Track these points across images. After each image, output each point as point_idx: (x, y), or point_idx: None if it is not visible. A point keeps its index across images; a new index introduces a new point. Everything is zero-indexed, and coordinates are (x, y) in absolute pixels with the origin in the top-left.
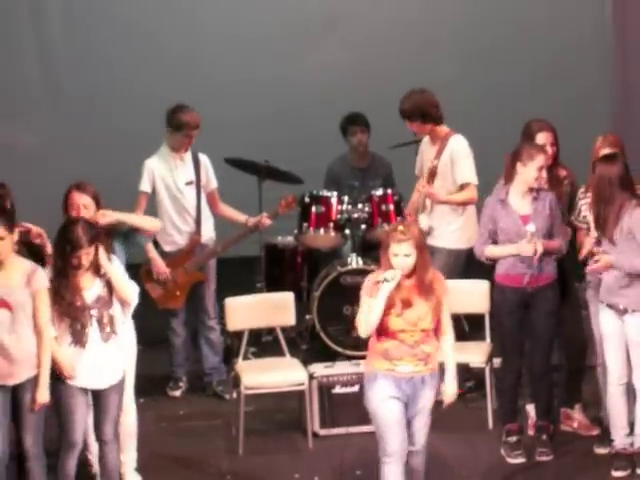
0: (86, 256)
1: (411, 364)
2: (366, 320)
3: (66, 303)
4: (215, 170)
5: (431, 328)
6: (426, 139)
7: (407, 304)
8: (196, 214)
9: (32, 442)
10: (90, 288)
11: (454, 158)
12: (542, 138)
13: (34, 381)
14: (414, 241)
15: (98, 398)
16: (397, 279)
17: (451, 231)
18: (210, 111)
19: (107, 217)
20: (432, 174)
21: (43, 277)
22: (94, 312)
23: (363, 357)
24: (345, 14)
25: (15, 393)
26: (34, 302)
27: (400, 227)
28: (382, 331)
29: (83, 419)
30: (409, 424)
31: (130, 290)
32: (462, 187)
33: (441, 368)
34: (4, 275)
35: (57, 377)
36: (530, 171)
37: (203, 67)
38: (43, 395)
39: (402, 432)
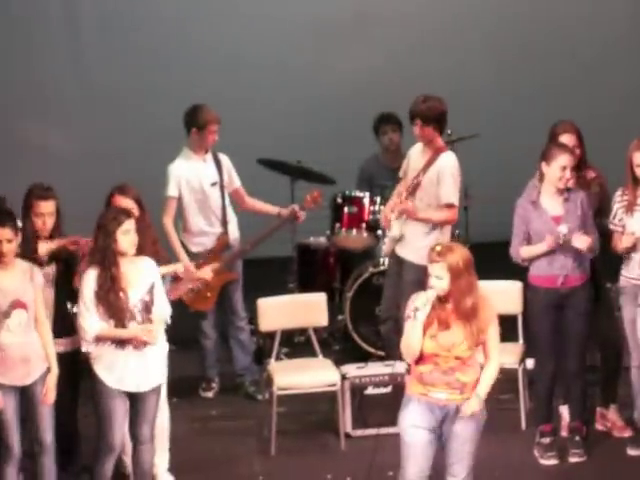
0: (134, 233)
1: (445, 392)
2: (407, 346)
3: (110, 303)
4: (247, 171)
5: (468, 356)
6: (418, 146)
7: (444, 325)
8: (222, 215)
9: (51, 439)
10: (136, 287)
11: (441, 175)
12: (565, 140)
13: (45, 374)
14: (447, 265)
15: (136, 400)
16: (430, 302)
17: (420, 247)
18: (243, 112)
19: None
20: (415, 187)
21: (40, 274)
22: (137, 314)
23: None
24: (377, 13)
25: (28, 391)
26: (35, 298)
27: (437, 247)
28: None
29: (122, 423)
30: (448, 453)
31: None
32: (443, 206)
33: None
34: (12, 276)
35: (96, 380)
36: (553, 171)
37: (236, 67)
38: (55, 383)
39: (422, 462)
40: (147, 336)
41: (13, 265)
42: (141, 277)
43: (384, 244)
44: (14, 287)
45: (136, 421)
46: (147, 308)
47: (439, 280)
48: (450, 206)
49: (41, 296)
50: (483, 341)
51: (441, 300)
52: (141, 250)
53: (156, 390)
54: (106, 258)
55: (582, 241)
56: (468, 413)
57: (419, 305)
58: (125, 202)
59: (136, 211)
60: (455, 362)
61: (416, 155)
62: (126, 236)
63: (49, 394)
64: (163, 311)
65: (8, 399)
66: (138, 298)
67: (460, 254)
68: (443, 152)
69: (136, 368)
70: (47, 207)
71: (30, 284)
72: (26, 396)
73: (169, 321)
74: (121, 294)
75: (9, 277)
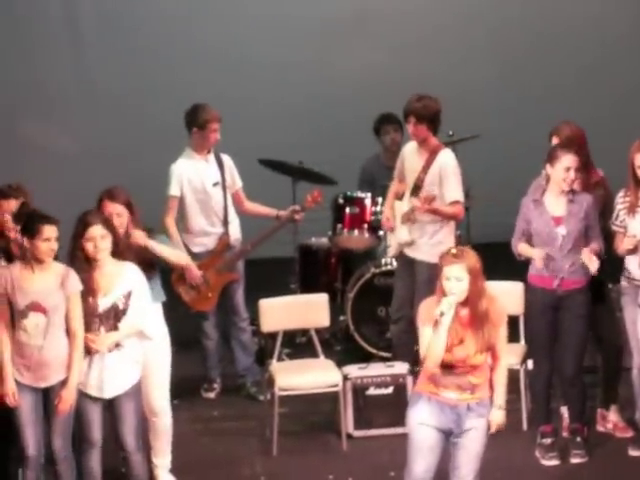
0: (102, 240)
1: (456, 392)
2: (432, 355)
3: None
4: (249, 171)
5: (481, 363)
6: (412, 145)
7: (458, 341)
8: (223, 215)
9: (61, 445)
10: (109, 294)
11: (443, 174)
12: (555, 142)
13: (65, 383)
14: (467, 265)
15: (111, 406)
16: (453, 306)
17: (432, 244)
18: (244, 112)
19: (139, 240)
20: (418, 187)
21: (76, 280)
22: (103, 320)
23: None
24: (378, 13)
25: (46, 396)
26: (68, 305)
27: (453, 250)
28: None
29: (98, 418)
30: (455, 454)
31: None
32: (450, 204)
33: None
34: (41, 278)
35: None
36: (557, 172)
37: (236, 67)
38: (70, 396)
39: (430, 460)
40: (93, 343)
41: (49, 266)
42: (117, 283)
43: (389, 246)
44: (36, 289)
45: (116, 428)
46: (117, 316)
47: (459, 282)
48: (456, 203)
49: (76, 304)
50: (493, 343)
51: (456, 309)
52: (122, 253)
53: (129, 398)
54: (73, 264)
55: (592, 263)
56: (495, 429)
57: (444, 309)
58: (114, 207)
59: (126, 215)
60: (470, 369)
61: (411, 156)
62: (90, 243)
63: (62, 405)
64: (135, 320)
65: (24, 398)
66: (110, 304)
67: (475, 255)
68: (440, 150)
69: (99, 373)
70: (6, 205)
71: (59, 290)
72: (44, 401)
73: (146, 332)
74: (90, 299)
75: (37, 278)
